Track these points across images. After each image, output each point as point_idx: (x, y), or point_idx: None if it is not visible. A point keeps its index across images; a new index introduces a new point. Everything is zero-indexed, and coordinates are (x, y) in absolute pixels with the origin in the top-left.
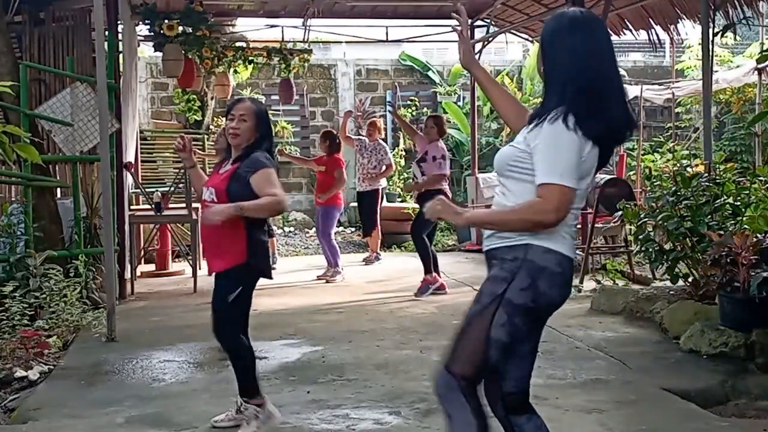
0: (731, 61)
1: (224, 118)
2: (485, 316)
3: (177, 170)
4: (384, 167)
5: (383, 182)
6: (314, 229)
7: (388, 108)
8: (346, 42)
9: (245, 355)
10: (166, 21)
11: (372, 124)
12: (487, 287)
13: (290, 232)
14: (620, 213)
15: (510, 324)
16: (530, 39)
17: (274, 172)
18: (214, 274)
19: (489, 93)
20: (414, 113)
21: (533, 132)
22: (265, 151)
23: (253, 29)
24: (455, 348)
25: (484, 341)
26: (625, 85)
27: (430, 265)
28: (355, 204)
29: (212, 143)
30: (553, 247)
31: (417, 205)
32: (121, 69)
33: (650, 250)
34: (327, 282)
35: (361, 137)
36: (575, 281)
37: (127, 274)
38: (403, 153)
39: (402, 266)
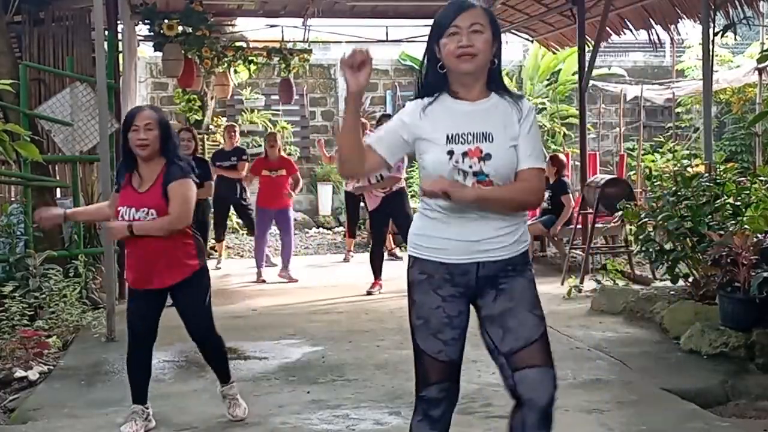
0: (731, 61)
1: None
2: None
3: None
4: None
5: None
6: (314, 229)
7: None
8: (346, 42)
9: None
10: (166, 21)
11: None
12: (533, 294)
13: None
14: (620, 213)
15: None
16: (530, 39)
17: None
18: (170, 286)
19: (351, 140)
20: None
21: (522, 119)
22: (177, 157)
23: (253, 29)
24: (548, 351)
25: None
26: (625, 85)
27: None
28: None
29: (214, 143)
30: None
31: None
32: (120, 69)
33: (650, 250)
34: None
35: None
36: (576, 281)
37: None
38: None
39: (402, 266)
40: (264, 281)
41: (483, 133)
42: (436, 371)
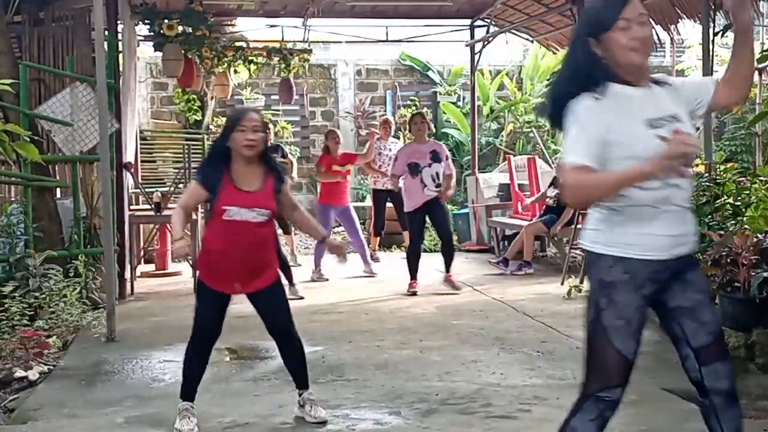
0: None
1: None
2: None
3: (177, 170)
4: None
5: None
6: None
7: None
8: (346, 42)
9: None
10: (166, 21)
11: (387, 122)
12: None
13: None
14: None
15: None
16: (530, 39)
17: None
18: (263, 288)
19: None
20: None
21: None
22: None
23: (253, 29)
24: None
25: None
26: None
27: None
28: (369, 204)
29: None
30: None
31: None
32: (120, 69)
33: None
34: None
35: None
36: (576, 281)
37: (127, 274)
38: None
39: (402, 266)
40: (327, 279)
41: (673, 115)
42: (624, 373)
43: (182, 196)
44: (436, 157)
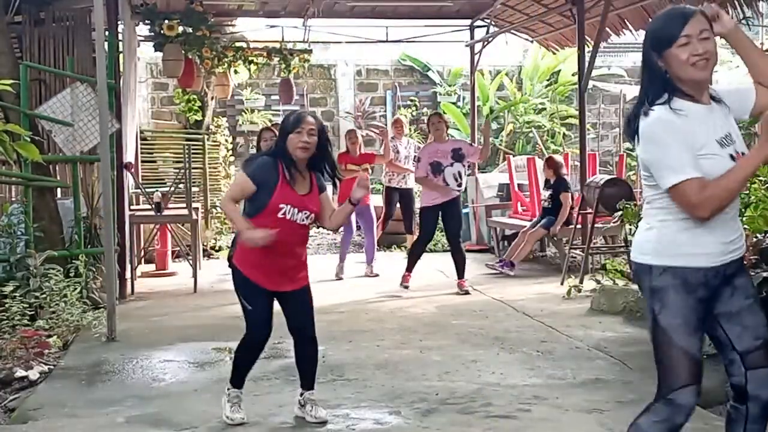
0: (731, 62)
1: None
2: None
3: (177, 170)
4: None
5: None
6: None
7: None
8: (346, 42)
9: None
10: (167, 21)
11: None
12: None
13: None
14: (620, 213)
15: None
16: (530, 39)
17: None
18: (297, 290)
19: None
20: (414, 113)
21: (730, 113)
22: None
23: (253, 30)
24: None
25: None
26: (625, 86)
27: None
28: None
29: (215, 143)
30: None
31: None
32: (121, 69)
33: None
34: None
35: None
36: (575, 281)
37: (128, 274)
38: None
39: (402, 266)
40: (341, 278)
41: (730, 134)
42: (693, 372)
43: (229, 190)
44: (457, 156)
